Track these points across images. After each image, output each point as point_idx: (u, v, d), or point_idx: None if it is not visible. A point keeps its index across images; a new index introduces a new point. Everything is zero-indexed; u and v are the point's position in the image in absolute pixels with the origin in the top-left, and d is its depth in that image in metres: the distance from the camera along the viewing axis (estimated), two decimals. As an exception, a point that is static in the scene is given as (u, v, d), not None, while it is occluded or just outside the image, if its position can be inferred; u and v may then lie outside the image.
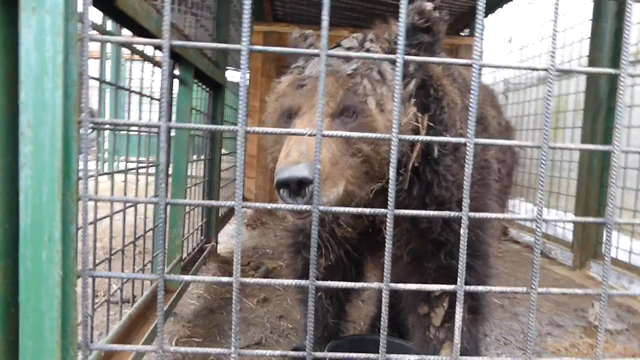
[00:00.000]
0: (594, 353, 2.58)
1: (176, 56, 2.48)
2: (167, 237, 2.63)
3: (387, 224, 0.95)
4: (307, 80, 1.62)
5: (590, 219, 1.04)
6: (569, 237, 4.57)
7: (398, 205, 1.69)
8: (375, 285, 1.06)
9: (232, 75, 7.57)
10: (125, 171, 1.95)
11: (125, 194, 1.93)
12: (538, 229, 1.02)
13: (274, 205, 0.99)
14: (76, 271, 1.02)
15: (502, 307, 3.26)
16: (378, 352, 1.06)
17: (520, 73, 5.87)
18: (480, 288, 1.08)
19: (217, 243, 3.94)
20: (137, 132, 2.78)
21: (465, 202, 1.02)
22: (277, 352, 1.08)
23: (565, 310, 3.26)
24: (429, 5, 1.64)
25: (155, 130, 2.45)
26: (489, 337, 2.71)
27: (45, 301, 0.98)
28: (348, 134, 0.99)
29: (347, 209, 1.00)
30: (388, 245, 1.02)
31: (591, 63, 4.16)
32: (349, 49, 1.70)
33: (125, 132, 2.35)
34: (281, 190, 1.32)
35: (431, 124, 1.68)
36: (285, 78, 1.74)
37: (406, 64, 1.68)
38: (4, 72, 0.98)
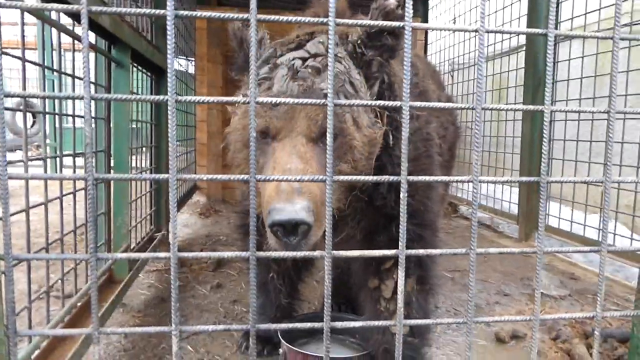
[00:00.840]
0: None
1: (112, 37, 2.37)
2: (111, 225, 2.54)
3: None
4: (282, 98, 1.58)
5: (524, 178, 1.07)
6: (515, 210, 4.74)
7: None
8: (317, 253, 1.05)
9: (178, 64, 7.36)
10: (60, 156, 1.86)
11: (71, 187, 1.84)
12: (475, 190, 1.03)
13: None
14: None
15: (452, 279, 3.35)
16: (333, 330, 1.06)
17: (464, 52, 5.98)
18: (421, 251, 1.09)
19: (167, 232, 3.84)
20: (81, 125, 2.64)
21: (404, 165, 1.02)
22: (220, 327, 1.06)
23: (512, 280, 3.38)
24: (392, 4, 1.60)
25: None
26: (439, 308, 2.78)
27: (-35, 288, 0.91)
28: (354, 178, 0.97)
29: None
30: (328, 213, 1.01)
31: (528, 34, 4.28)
32: (314, 55, 1.60)
33: (70, 124, 2.22)
34: (274, 228, 1.29)
35: (388, 112, 1.70)
36: (251, 93, 1.67)
37: (369, 65, 1.69)
38: None
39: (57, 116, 1.94)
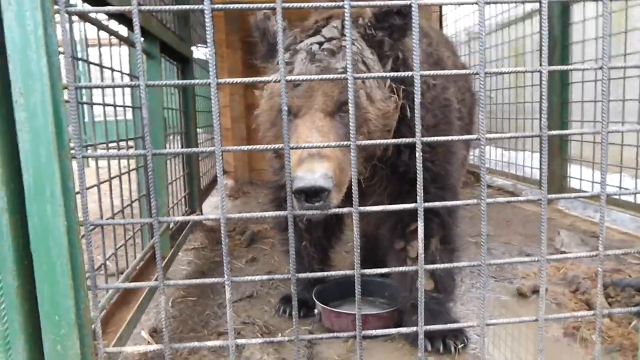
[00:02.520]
0: (560, 274, 2.81)
1: (142, 31, 2.53)
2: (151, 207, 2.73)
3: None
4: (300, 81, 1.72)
5: (526, 134, 1.20)
6: (537, 176, 4.81)
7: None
8: (346, 210, 1.21)
9: (199, 52, 7.53)
10: (107, 142, 2.05)
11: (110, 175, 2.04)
12: (482, 146, 1.17)
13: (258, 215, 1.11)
14: (78, 221, 1.14)
15: (475, 244, 3.47)
16: (363, 292, 1.22)
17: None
18: (437, 204, 1.24)
19: (201, 213, 4.06)
20: (113, 118, 2.82)
21: (418, 127, 1.16)
22: (265, 277, 1.22)
23: (533, 241, 3.49)
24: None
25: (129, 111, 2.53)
26: (463, 270, 2.92)
27: (54, 250, 1.10)
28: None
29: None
30: (354, 175, 1.16)
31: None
32: (330, 38, 1.75)
33: (101, 118, 2.40)
34: (298, 194, 1.42)
35: (403, 86, 1.82)
36: (276, 76, 1.81)
37: (381, 45, 1.81)
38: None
39: (89, 110, 2.12)
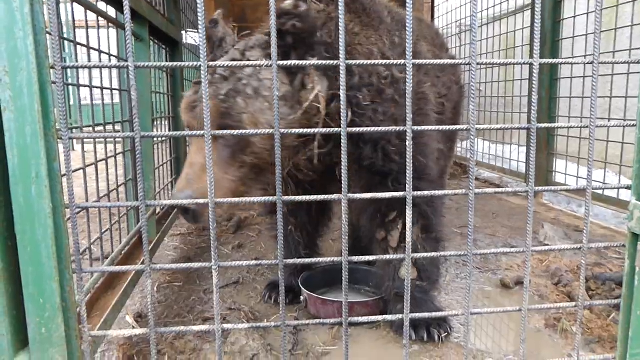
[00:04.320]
0: (543, 266, 2.85)
1: (130, 12, 2.49)
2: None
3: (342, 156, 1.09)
4: (197, 102, 1.75)
5: (516, 126, 1.20)
6: (523, 169, 4.86)
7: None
8: (335, 197, 1.21)
9: (189, 37, 7.44)
10: (94, 125, 2.02)
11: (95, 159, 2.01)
12: (472, 137, 1.17)
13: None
14: (64, 203, 1.13)
15: (461, 234, 3.50)
16: (349, 280, 1.23)
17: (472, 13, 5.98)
18: (426, 193, 1.24)
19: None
20: (100, 102, 2.79)
21: (409, 116, 1.16)
22: (253, 262, 1.22)
23: (518, 234, 3.53)
24: (288, 5, 1.72)
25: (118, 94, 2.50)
26: (448, 260, 2.95)
27: (39, 231, 1.08)
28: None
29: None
30: (344, 161, 1.16)
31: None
32: (232, 59, 1.79)
33: (88, 102, 2.35)
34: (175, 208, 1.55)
35: (336, 92, 1.83)
36: (187, 94, 1.83)
37: (286, 59, 1.78)
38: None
39: (75, 93, 2.08)
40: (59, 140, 1.11)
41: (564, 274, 2.57)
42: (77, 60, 2.13)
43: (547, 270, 2.70)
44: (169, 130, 3.77)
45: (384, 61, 1.16)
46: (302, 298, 2.25)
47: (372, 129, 1.16)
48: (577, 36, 4.04)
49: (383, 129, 1.18)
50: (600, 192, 3.77)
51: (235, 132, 1.13)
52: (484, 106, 5.81)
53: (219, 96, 1.69)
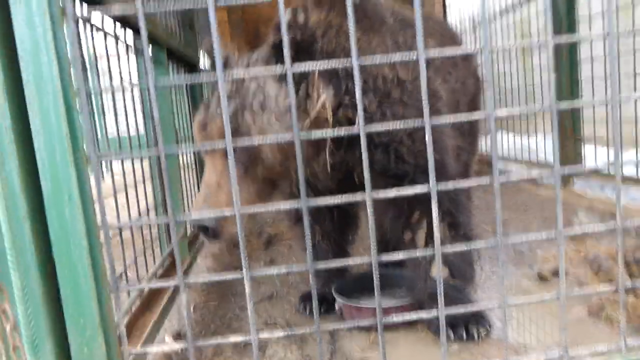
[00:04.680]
0: (581, 256, 2.78)
1: (148, 37, 2.56)
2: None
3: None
4: (208, 122, 1.78)
5: (537, 107, 1.19)
6: (551, 160, 4.75)
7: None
8: (359, 197, 1.21)
9: (205, 60, 7.59)
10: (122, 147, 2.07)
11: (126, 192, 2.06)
12: (492, 124, 1.16)
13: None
14: (97, 225, 1.16)
15: (492, 232, 3.44)
16: (382, 285, 1.23)
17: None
18: (449, 185, 1.23)
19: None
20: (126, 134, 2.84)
21: (426, 110, 1.16)
22: (283, 269, 1.23)
23: (552, 225, 3.44)
24: (286, 17, 1.75)
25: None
26: (482, 257, 2.90)
27: (75, 253, 1.12)
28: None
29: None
30: (365, 160, 1.17)
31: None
32: (236, 79, 1.81)
33: (114, 135, 2.41)
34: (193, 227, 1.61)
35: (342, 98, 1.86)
36: (198, 115, 1.87)
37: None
38: (4, 53, 1.08)
39: (102, 122, 2.14)
40: (87, 163, 1.14)
41: (604, 262, 2.50)
42: (100, 92, 2.20)
43: (586, 258, 2.63)
44: (193, 154, 3.84)
45: (394, 58, 1.16)
46: (336, 307, 2.24)
47: (390, 123, 1.16)
48: (593, 15, 3.96)
49: (399, 124, 1.18)
50: (634, 174, 3.67)
51: (252, 141, 1.15)
52: (504, 99, 5.73)
53: (217, 116, 1.74)
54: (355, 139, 1.87)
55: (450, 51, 1.21)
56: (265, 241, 3.78)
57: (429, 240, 1.99)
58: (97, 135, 2.16)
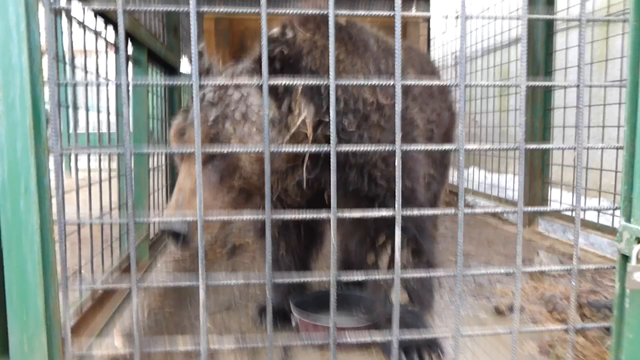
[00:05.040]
0: (538, 294, 2.83)
1: (129, 37, 2.54)
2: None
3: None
4: (187, 129, 1.78)
5: (503, 146, 1.22)
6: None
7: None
8: (324, 215, 1.21)
9: (188, 67, 7.56)
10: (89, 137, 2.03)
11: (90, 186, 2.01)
12: (461, 156, 1.19)
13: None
14: (52, 219, 1.13)
15: (455, 262, 3.48)
16: (338, 306, 1.23)
17: (469, 44, 6.10)
18: (415, 212, 1.24)
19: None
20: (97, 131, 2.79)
21: (398, 136, 1.17)
22: (241, 280, 1.22)
23: (514, 261, 3.49)
24: (275, 32, 1.80)
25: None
26: (443, 287, 2.93)
27: (26, 246, 1.08)
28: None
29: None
30: (333, 177, 1.17)
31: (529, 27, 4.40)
32: (221, 87, 1.80)
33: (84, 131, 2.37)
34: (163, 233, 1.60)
35: (322, 118, 1.88)
36: (176, 120, 1.86)
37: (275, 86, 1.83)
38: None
39: (71, 120, 2.10)
40: (50, 155, 1.11)
41: (559, 301, 2.55)
42: (75, 89, 2.16)
43: (542, 297, 2.68)
44: (166, 159, 3.79)
45: (371, 82, 1.18)
46: (293, 322, 2.22)
47: (361, 145, 1.18)
48: (568, 67, 4.12)
49: (371, 147, 1.20)
50: (595, 220, 3.78)
51: (224, 149, 1.14)
52: (479, 136, 5.86)
53: (208, 122, 1.72)
54: (329, 160, 1.89)
55: (426, 81, 1.23)
56: (229, 251, 3.73)
57: (392, 264, 1.99)
58: (67, 129, 2.10)
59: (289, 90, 1.82)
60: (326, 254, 2.81)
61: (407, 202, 1.98)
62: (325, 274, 1.22)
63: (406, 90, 2.24)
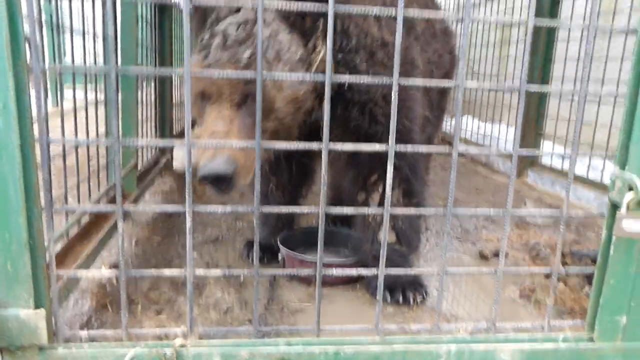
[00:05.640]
0: (523, 241, 2.88)
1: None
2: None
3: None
4: (212, 67, 1.66)
5: (506, 86, 1.18)
6: (511, 149, 4.85)
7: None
8: (315, 145, 1.18)
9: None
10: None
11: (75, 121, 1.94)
12: (460, 93, 1.15)
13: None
14: (33, 138, 1.09)
15: (443, 206, 3.51)
16: (326, 242, 1.22)
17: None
18: (409, 147, 1.22)
19: (172, 158, 3.99)
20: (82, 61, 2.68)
21: (396, 70, 1.13)
22: (228, 208, 1.20)
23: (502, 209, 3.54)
24: None
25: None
26: (430, 230, 2.96)
27: (7, 165, 1.05)
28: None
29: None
30: (327, 107, 1.13)
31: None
32: (245, 21, 1.69)
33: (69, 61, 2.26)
34: (203, 181, 1.54)
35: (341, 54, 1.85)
36: (194, 59, 1.73)
37: (302, 22, 1.74)
38: None
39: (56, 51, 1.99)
40: (30, 75, 1.06)
41: (542, 249, 2.60)
42: (60, 19, 2.04)
43: (526, 244, 2.73)
44: (156, 92, 3.69)
45: (373, 10, 1.12)
46: (280, 257, 2.24)
47: (356, 77, 1.13)
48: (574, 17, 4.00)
49: (367, 79, 1.15)
50: (584, 175, 3.80)
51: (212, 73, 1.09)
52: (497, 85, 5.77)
53: (240, 62, 1.63)
54: (335, 97, 1.85)
55: (428, 13, 1.17)
56: (218, 187, 3.72)
57: (382, 203, 2.00)
58: (53, 54, 2.00)
59: (315, 29, 1.77)
60: (316, 192, 2.81)
61: (403, 141, 1.96)
62: (315, 207, 1.21)
63: (409, 28, 2.17)
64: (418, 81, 1.17)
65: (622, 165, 1.26)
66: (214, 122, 1.63)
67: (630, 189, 1.20)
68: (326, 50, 1.74)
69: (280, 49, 1.69)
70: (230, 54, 1.63)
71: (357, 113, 1.93)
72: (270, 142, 1.14)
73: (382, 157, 1.94)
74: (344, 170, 2.12)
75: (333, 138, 1.92)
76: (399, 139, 1.96)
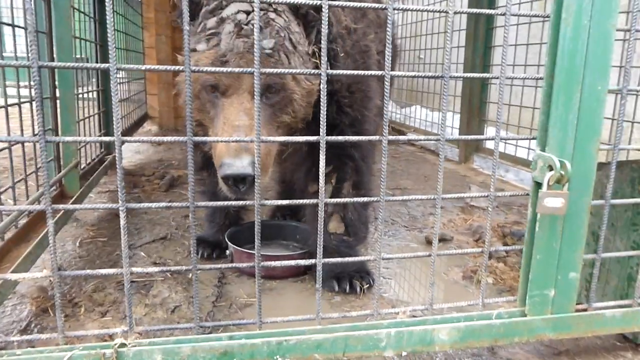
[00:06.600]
0: (467, 225, 2.98)
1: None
2: (59, 143, 2.57)
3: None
4: (229, 56, 1.59)
5: (429, 74, 1.22)
6: (457, 135, 5.00)
7: None
8: (247, 139, 1.19)
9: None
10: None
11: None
12: (386, 83, 1.18)
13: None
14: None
15: (392, 195, 3.58)
16: (274, 236, 1.23)
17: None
18: (340, 138, 1.24)
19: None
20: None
21: (324, 61, 1.14)
22: (162, 204, 1.19)
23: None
24: None
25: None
26: (377, 219, 3.01)
27: None
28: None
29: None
30: (323, 101, 1.14)
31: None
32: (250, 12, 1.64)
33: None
34: (226, 179, 1.52)
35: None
36: (202, 49, 1.64)
37: (306, 15, 1.74)
38: None
39: None
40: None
41: (484, 231, 2.69)
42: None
43: (470, 228, 2.83)
44: (97, 83, 3.58)
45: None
46: (227, 252, 2.24)
47: (350, 72, 1.14)
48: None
49: (363, 72, 1.18)
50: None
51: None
52: (422, 71, 5.89)
53: (265, 50, 1.59)
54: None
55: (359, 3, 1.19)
56: (167, 183, 3.66)
57: (335, 194, 2.03)
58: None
59: (316, 21, 1.76)
60: (268, 187, 2.82)
61: (359, 131, 2.00)
62: (249, 201, 1.22)
63: (362, 15, 2.17)
64: (344, 72, 1.19)
65: (543, 146, 1.33)
66: (235, 116, 1.56)
67: (551, 168, 1.27)
68: (309, 43, 1.75)
69: (296, 40, 1.68)
70: (248, 42, 1.57)
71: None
72: (269, 137, 1.13)
73: (342, 148, 1.99)
74: (299, 162, 2.13)
75: (301, 130, 1.94)
76: (355, 130, 1.99)
